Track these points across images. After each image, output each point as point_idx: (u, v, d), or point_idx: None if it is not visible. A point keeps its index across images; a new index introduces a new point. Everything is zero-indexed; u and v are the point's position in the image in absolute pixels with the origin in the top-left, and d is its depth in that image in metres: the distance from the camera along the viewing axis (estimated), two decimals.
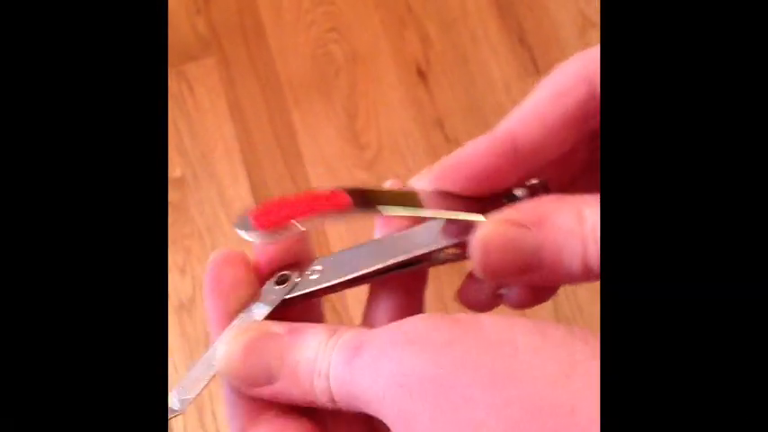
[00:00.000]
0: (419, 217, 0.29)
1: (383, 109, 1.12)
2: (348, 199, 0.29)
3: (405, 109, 1.12)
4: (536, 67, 1.10)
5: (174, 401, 0.30)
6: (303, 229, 0.28)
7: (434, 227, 0.30)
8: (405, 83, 1.13)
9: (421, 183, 0.30)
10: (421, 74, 1.13)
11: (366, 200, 0.29)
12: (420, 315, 0.26)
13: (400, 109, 1.12)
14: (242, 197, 1.08)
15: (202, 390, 0.30)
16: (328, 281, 0.30)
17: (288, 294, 0.30)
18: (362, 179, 1.07)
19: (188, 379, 0.30)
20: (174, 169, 1.10)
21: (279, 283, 0.30)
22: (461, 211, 0.29)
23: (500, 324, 0.25)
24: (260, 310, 0.30)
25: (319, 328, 0.28)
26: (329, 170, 1.09)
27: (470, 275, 0.31)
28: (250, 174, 1.09)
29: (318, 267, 0.30)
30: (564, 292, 1.03)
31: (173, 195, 1.08)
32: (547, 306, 1.02)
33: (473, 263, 0.28)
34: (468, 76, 1.12)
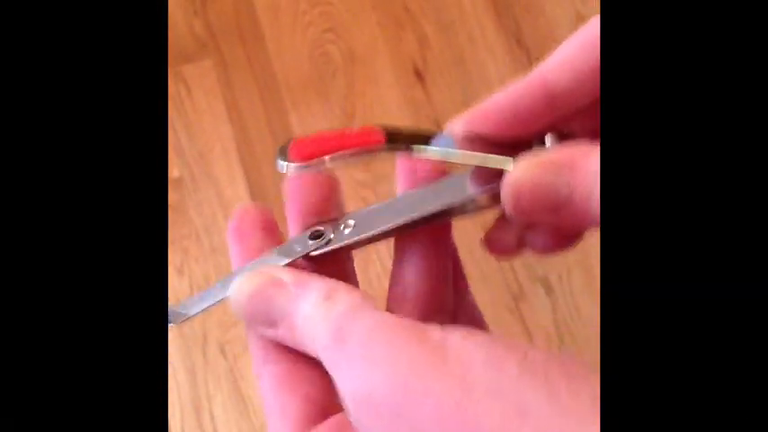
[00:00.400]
0: (449, 160, 0.30)
1: (380, 109, 1.12)
2: (382, 137, 0.29)
3: (402, 109, 1.12)
4: (531, 63, 1.10)
5: (171, 312, 0.31)
6: (336, 163, 0.29)
7: (463, 178, 0.31)
8: (402, 83, 1.13)
9: (456, 126, 0.30)
10: (418, 74, 1.13)
11: (399, 139, 0.30)
12: (396, 323, 0.26)
13: (397, 109, 1.12)
14: (240, 198, 1.08)
15: (201, 312, 0.31)
16: (360, 235, 0.31)
17: (321, 249, 0.31)
18: (360, 179, 1.07)
19: (193, 299, 0.31)
20: (172, 170, 1.10)
21: (312, 237, 0.31)
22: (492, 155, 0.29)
23: (463, 354, 0.24)
24: (282, 259, 0.30)
25: (320, 285, 0.28)
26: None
27: (497, 222, 0.32)
28: (247, 174, 1.10)
29: (351, 222, 0.31)
30: (562, 294, 1.03)
31: (170, 196, 1.08)
32: (545, 308, 1.03)
33: (504, 203, 0.28)
34: (466, 77, 1.12)
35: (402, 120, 1.11)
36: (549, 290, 1.04)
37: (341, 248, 0.31)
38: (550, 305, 1.03)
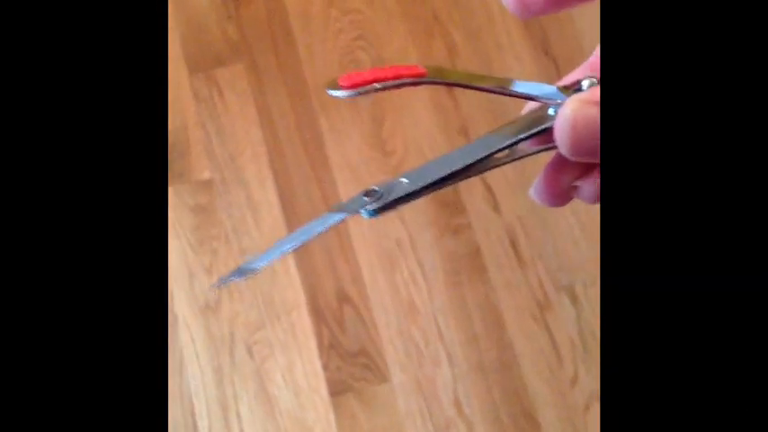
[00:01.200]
0: (493, 92, 0.32)
1: (409, 116, 1.13)
2: (424, 70, 0.31)
3: (430, 116, 1.13)
4: (559, 74, 1.11)
5: (240, 268, 0.33)
6: (384, 89, 0.31)
7: (506, 130, 0.32)
8: (430, 90, 1.14)
9: None
10: None
11: (442, 75, 0.32)
12: None
13: (425, 116, 1.13)
14: (269, 200, 1.10)
15: (267, 265, 0.33)
16: (414, 187, 0.33)
17: (376, 204, 0.33)
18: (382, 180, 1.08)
19: (257, 257, 0.33)
20: (203, 172, 1.11)
21: (367, 195, 0.33)
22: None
23: None
24: (339, 216, 0.33)
25: None
26: (355, 175, 1.10)
27: (547, 170, 0.33)
28: (277, 177, 1.11)
29: (404, 180, 0.33)
30: (588, 303, 1.03)
31: (201, 198, 1.10)
32: (570, 317, 1.03)
33: (559, 140, 0.29)
34: None
35: (430, 126, 1.12)
36: (573, 299, 1.04)
37: (395, 201, 0.33)
38: (575, 314, 1.03)
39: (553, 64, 1.13)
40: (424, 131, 1.12)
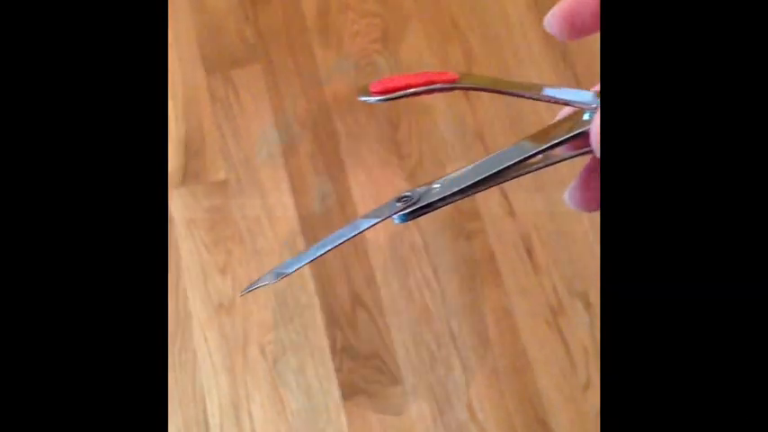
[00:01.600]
0: (528, 97, 0.32)
1: (425, 120, 1.13)
2: (456, 76, 0.32)
3: (446, 120, 1.13)
4: (578, 82, 1.11)
5: (272, 272, 0.34)
6: (412, 94, 0.31)
7: (539, 137, 0.32)
8: (447, 95, 1.14)
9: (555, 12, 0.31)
10: None
11: (473, 78, 0.32)
12: None
13: (441, 120, 1.13)
14: (283, 202, 1.10)
15: (298, 269, 0.34)
16: (447, 192, 0.33)
17: (409, 208, 0.33)
18: (403, 188, 1.08)
19: (289, 262, 0.34)
20: (218, 172, 1.12)
21: (400, 201, 0.34)
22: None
23: None
24: (371, 221, 0.33)
25: None
26: (370, 178, 1.10)
27: (582, 175, 0.33)
28: (292, 180, 1.11)
29: (437, 185, 0.34)
30: (599, 303, 1.03)
31: (216, 198, 1.10)
32: (583, 323, 1.02)
33: (594, 145, 0.29)
34: None
35: (446, 131, 1.12)
36: (587, 305, 1.04)
37: (427, 206, 0.33)
38: (588, 320, 1.03)
39: (572, 73, 1.13)
40: (439, 136, 1.12)
